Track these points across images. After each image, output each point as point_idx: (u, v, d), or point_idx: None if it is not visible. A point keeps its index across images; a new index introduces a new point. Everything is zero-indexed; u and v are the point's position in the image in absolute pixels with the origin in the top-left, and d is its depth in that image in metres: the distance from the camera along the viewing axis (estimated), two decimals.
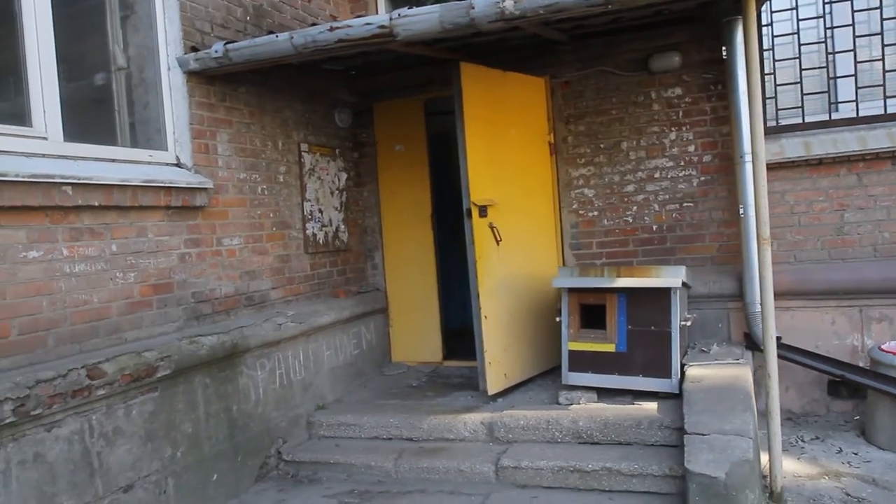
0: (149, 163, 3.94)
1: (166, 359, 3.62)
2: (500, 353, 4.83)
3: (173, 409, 3.73)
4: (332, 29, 3.71)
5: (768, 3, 5.07)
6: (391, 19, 3.60)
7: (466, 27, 3.50)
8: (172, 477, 3.69)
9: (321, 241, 5.42)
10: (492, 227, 4.82)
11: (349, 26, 3.68)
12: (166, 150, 4.10)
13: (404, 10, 3.60)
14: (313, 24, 4.44)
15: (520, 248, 5.08)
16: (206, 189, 4.15)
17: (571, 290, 4.65)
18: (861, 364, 4.62)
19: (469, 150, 4.66)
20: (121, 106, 4.08)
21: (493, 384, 4.74)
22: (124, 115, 4.08)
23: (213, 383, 4.02)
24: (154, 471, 3.59)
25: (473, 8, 3.43)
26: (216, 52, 3.97)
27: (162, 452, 3.64)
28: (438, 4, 3.55)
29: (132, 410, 3.49)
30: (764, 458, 3.74)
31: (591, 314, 4.63)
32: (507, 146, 5.07)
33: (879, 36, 4.90)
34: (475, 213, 4.71)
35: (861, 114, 4.92)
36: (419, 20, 3.57)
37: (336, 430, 4.76)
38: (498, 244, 4.87)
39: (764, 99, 5.00)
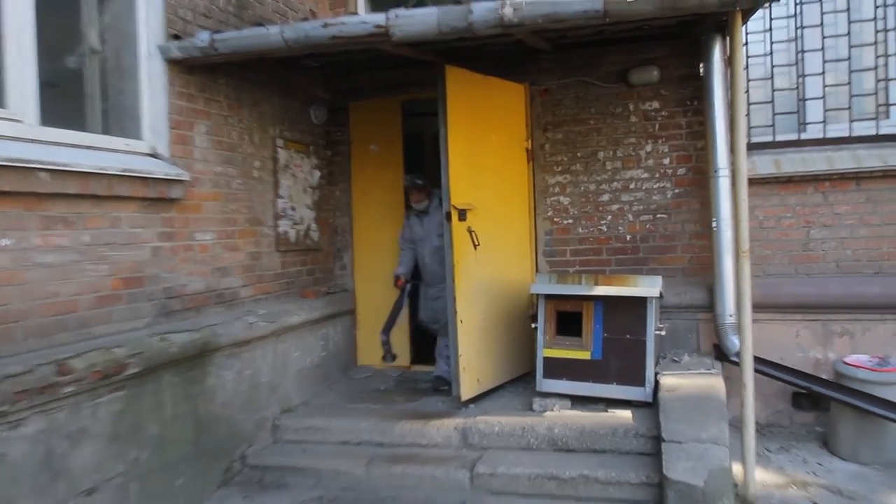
0: (125, 152, 3.83)
1: (136, 356, 3.52)
2: (474, 358, 4.86)
3: (140, 408, 3.63)
4: (325, 25, 3.68)
5: (744, 25, 5.25)
6: (388, 19, 3.59)
7: (464, 31, 3.52)
8: (136, 480, 3.58)
9: (292, 240, 5.36)
10: (470, 232, 4.85)
11: (343, 24, 3.65)
12: (141, 139, 3.99)
13: (401, 11, 3.60)
14: (303, 20, 4.38)
15: (496, 254, 5.13)
16: (182, 181, 4.07)
17: (548, 297, 4.70)
18: (824, 376, 4.80)
19: (451, 153, 4.69)
20: (93, 91, 3.96)
21: (467, 389, 4.75)
22: (97, 101, 3.96)
23: (181, 383, 3.93)
24: (118, 474, 3.47)
25: (472, 13, 3.45)
26: (201, 41, 3.89)
27: (127, 454, 3.54)
28: (436, 7, 3.56)
29: (99, 409, 3.38)
30: (735, 467, 3.85)
31: (567, 321, 4.70)
32: (486, 151, 5.12)
33: (846, 62, 5.14)
34: (455, 216, 4.73)
35: (828, 135, 5.15)
36: (416, 22, 3.57)
37: (303, 434, 4.70)
38: (475, 248, 4.90)
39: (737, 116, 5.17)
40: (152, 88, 4.00)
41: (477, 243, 4.89)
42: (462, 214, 4.78)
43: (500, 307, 5.15)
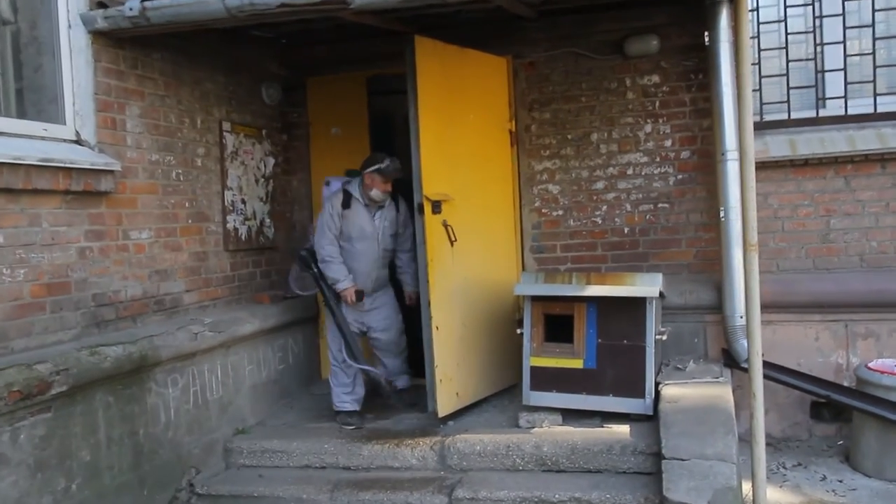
0: (43, 138, 3.83)
1: (62, 372, 3.52)
2: (453, 369, 4.90)
3: (69, 432, 3.63)
4: None
5: None
6: None
7: None
8: None
9: (243, 237, 5.36)
10: (446, 226, 4.88)
11: None
12: (64, 123, 3.99)
13: None
14: None
15: (476, 251, 5.16)
16: (112, 171, 4.07)
17: (535, 299, 4.73)
18: (846, 383, 4.89)
19: (423, 137, 4.71)
20: (5, 68, 3.95)
21: (444, 405, 4.79)
22: (9, 80, 3.95)
23: (116, 402, 3.93)
24: None
25: None
26: (130, 9, 3.89)
27: (54, 485, 3.54)
28: None
29: (20, 434, 3.38)
30: (745, 485, 3.92)
31: (557, 326, 4.73)
32: (463, 134, 5.14)
33: (870, 28, 5.21)
34: (427, 208, 4.76)
35: (850, 112, 5.22)
36: None
37: (259, 457, 4.72)
38: (452, 245, 4.94)
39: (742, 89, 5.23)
40: (75, 65, 3.99)
41: (454, 239, 4.92)
42: (436, 206, 4.81)
43: (481, 311, 5.18)
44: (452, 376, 4.88)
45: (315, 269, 5.05)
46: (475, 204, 5.17)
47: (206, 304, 4.95)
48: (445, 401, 4.80)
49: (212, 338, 4.65)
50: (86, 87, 4.04)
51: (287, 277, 5.59)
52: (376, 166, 4.98)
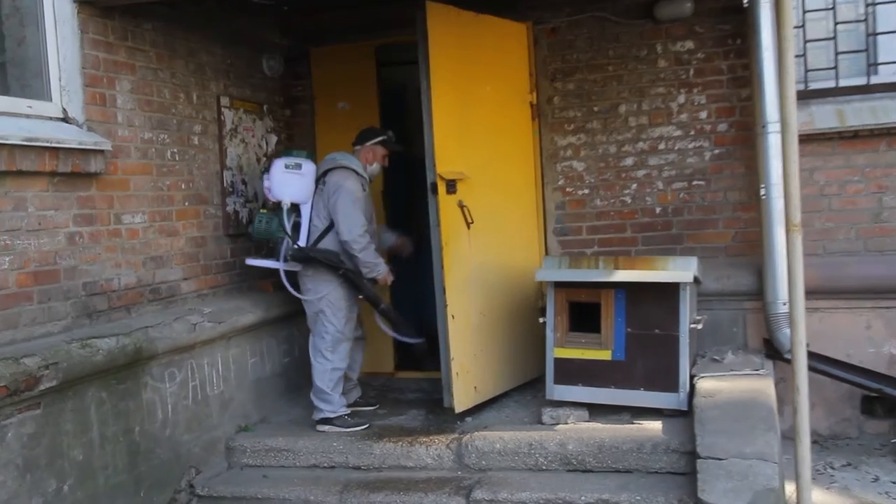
0: (28, 116, 3.84)
1: (52, 367, 3.54)
2: (470, 361, 4.89)
3: (60, 430, 3.66)
4: None
5: None
6: None
7: None
8: None
9: (244, 221, 5.36)
10: (461, 207, 4.86)
11: None
12: (50, 100, 4.00)
13: None
14: None
15: (494, 233, 5.15)
16: (102, 151, 4.07)
17: (559, 285, 4.71)
18: None
19: (436, 111, 4.69)
20: None
21: (462, 400, 4.79)
22: None
23: (110, 398, 3.95)
24: None
25: None
26: None
27: (45, 486, 3.57)
28: None
29: (7, 433, 3.41)
30: (789, 487, 3.88)
31: (583, 314, 4.71)
32: (480, 107, 5.12)
33: None
34: (441, 188, 4.74)
35: None
36: None
37: (264, 457, 4.74)
38: (469, 227, 4.92)
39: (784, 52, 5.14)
40: (61, 37, 3.99)
41: (470, 221, 4.90)
42: (451, 186, 4.78)
43: (501, 299, 5.17)
44: (470, 369, 4.88)
45: (346, 266, 4.81)
46: (493, 183, 5.15)
47: (204, 292, 4.96)
48: (462, 395, 4.80)
49: (211, 329, 4.67)
50: (72, 60, 4.04)
51: (247, 276, 5.31)
52: (380, 138, 5.00)
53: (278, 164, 4.85)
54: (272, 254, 5.05)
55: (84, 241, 4.03)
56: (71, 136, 3.90)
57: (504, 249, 5.25)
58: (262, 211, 4.99)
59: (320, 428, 4.86)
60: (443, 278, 4.74)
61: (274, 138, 5.81)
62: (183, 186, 4.80)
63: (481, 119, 5.10)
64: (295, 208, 4.91)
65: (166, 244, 4.64)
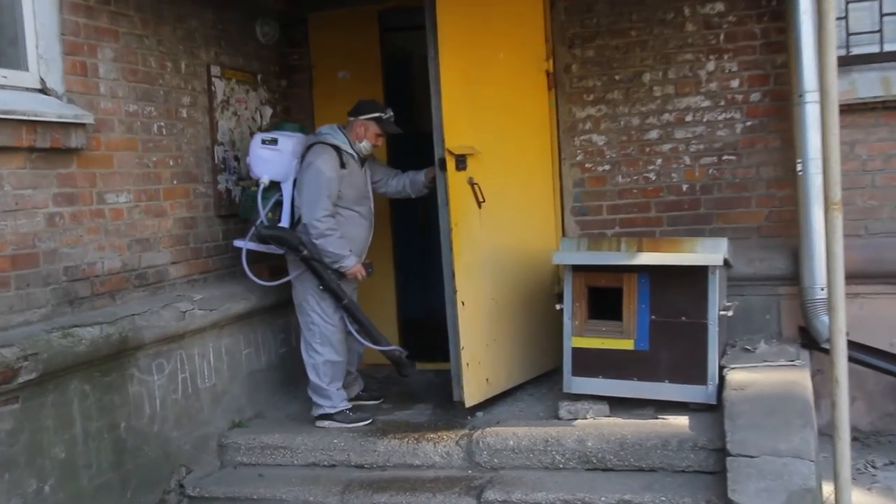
0: (2, 86, 3.82)
1: (31, 358, 3.55)
2: (482, 351, 4.89)
3: (40, 426, 3.67)
4: None
5: None
6: None
7: None
8: None
9: (237, 200, 5.35)
10: (472, 184, 4.84)
11: None
12: (26, 69, 3.98)
13: None
14: None
15: (507, 213, 5.14)
16: (83, 125, 4.07)
17: (577, 269, 4.70)
18: None
19: (444, 80, 4.66)
20: None
21: (472, 392, 4.79)
22: None
23: (94, 392, 3.97)
24: None
25: None
26: None
27: (24, 486, 3.58)
28: None
29: None
30: (827, 488, 3.86)
31: (604, 301, 4.70)
32: (492, 77, 5.09)
33: None
34: (451, 164, 4.72)
35: None
36: None
37: (259, 454, 4.76)
38: (480, 206, 4.90)
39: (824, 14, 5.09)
40: (38, 0, 3.95)
41: (482, 199, 4.87)
42: (460, 161, 4.76)
43: (515, 284, 5.17)
44: (482, 360, 4.89)
45: (305, 251, 4.74)
46: (506, 159, 5.14)
47: (195, 277, 4.97)
48: (474, 388, 4.81)
49: (202, 317, 4.68)
50: (50, 26, 4.01)
51: (240, 259, 5.07)
52: (377, 114, 4.95)
53: (256, 139, 4.95)
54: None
55: (65, 223, 4.03)
56: (50, 109, 3.89)
57: (517, 231, 5.25)
58: (252, 188, 5.02)
59: (320, 424, 4.87)
60: (452, 262, 4.72)
61: (269, 110, 5.79)
62: (171, 163, 4.79)
63: (493, 89, 5.07)
64: (275, 185, 4.91)
65: (153, 226, 4.63)
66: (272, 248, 4.92)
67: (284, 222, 4.87)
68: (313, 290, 4.86)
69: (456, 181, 4.74)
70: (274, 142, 4.86)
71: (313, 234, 4.72)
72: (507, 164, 5.15)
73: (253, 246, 4.93)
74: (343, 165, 4.82)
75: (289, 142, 4.88)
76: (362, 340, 5.07)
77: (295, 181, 4.89)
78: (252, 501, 4.43)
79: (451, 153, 4.71)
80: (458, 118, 4.77)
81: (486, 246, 4.98)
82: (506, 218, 5.10)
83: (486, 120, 4.99)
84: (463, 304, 4.77)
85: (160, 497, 4.38)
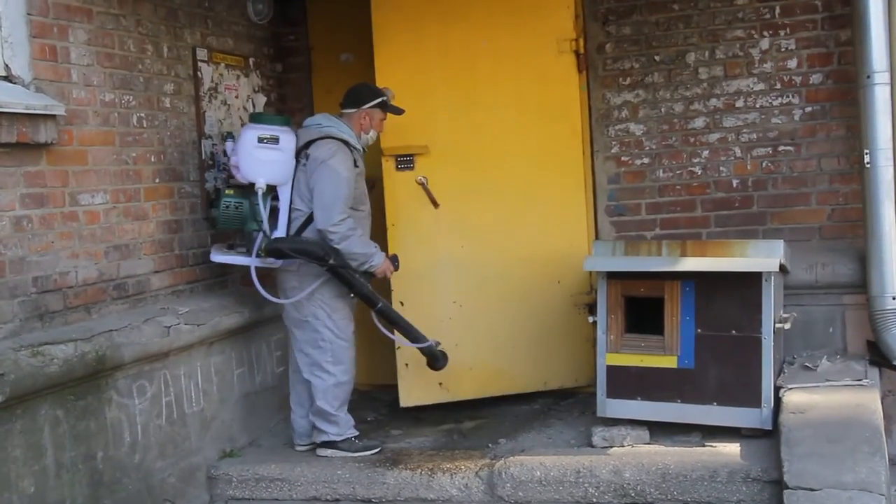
0: None
1: None
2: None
3: (7, 456, 3.67)
4: None
5: None
6: None
7: None
8: None
9: (214, 205, 5.34)
10: (422, 185, 5.25)
11: None
12: None
13: None
14: None
15: (491, 214, 5.55)
16: (54, 117, 4.07)
17: (613, 276, 4.72)
18: None
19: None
20: None
21: (414, 394, 5.38)
22: None
23: (67, 418, 3.98)
24: None
25: None
26: None
27: None
28: None
29: None
30: None
31: (643, 312, 4.72)
32: (503, 58, 5.43)
33: None
34: (389, 164, 5.32)
35: None
36: None
37: (253, 488, 4.78)
38: (436, 207, 5.42)
39: None
40: None
41: (436, 201, 5.32)
42: (402, 162, 5.35)
43: (501, 289, 5.54)
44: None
45: (332, 259, 4.68)
46: (493, 154, 5.55)
47: (180, 288, 4.99)
48: (417, 390, 5.48)
49: (189, 332, 4.69)
50: (15, 5, 4.01)
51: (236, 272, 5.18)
52: (380, 98, 4.96)
53: (249, 136, 4.69)
54: (246, 242, 4.90)
55: (33, 227, 4.04)
56: (15, 99, 3.89)
57: (514, 232, 5.52)
58: (227, 192, 4.82)
59: (322, 453, 4.89)
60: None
61: (262, 99, 5.82)
62: (152, 159, 4.81)
63: (483, 76, 5.47)
64: (271, 189, 4.77)
65: (133, 230, 4.65)
66: (269, 262, 4.82)
67: (280, 232, 4.77)
68: (325, 302, 4.84)
69: (395, 182, 5.05)
70: (275, 140, 4.68)
71: (334, 239, 4.68)
72: (496, 161, 5.44)
73: (258, 262, 4.81)
74: (355, 163, 4.84)
75: (291, 139, 4.76)
76: (403, 341, 5.19)
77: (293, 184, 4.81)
78: None
79: (387, 154, 5.07)
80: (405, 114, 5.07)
81: (447, 248, 5.45)
82: (488, 219, 5.44)
83: (458, 113, 5.40)
84: (402, 304, 5.33)
85: None
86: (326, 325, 4.85)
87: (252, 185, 4.73)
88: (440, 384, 5.44)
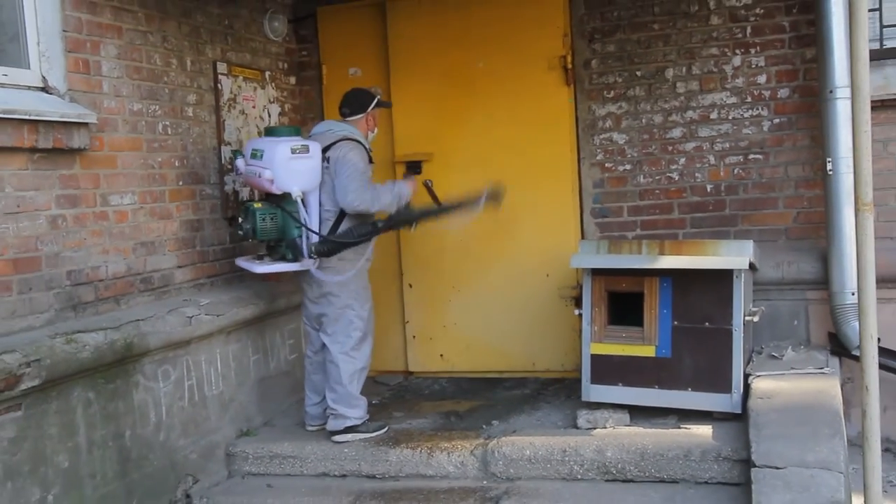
0: (3, 85, 3.85)
1: (34, 364, 3.58)
2: (436, 330, 5.87)
3: (43, 434, 3.70)
4: None
5: None
6: None
7: None
8: None
9: (247, 220, 5.33)
10: (428, 186, 5.11)
11: None
12: (28, 67, 4.01)
13: None
14: None
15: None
16: (87, 124, 4.10)
17: (597, 273, 4.72)
18: None
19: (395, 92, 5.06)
20: None
21: (418, 361, 5.80)
22: None
23: (98, 399, 4.00)
24: None
25: None
26: None
27: (27, 495, 3.61)
28: None
29: None
30: (856, 500, 3.85)
31: (624, 306, 4.72)
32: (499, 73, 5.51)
33: None
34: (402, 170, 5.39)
35: None
36: None
37: (268, 464, 4.79)
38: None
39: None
40: None
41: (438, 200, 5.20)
42: (412, 167, 5.57)
43: (496, 280, 5.73)
44: (433, 336, 5.91)
45: (380, 224, 4.80)
46: (491, 160, 5.63)
47: (201, 281, 5.00)
48: (422, 358, 5.94)
49: (209, 322, 4.70)
50: (52, 23, 4.05)
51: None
52: (378, 98, 4.98)
53: (282, 150, 4.55)
54: (272, 252, 4.83)
55: (68, 225, 4.06)
56: (52, 108, 3.92)
57: (509, 229, 5.63)
58: (256, 205, 4.67)
59: (341, 439, 4.76)
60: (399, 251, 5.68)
61: (276, 109, 5.82)
62: (176, 164, 4.83)
63: (487, 89, 5.61)
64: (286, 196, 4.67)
65: (158, 228, 4.67)
66: (306, 264, 4.70)
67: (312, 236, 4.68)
68: (358, 293, 4.81)
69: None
70: (306, 149, 4.60)
71: (365, 205, 4.68)
72: (493, 166, 5.52)
73: (297, 266, 4.71)
74: (370, 159, 4.86)
75: (317, 146, 4.70)
76: (459, 213, 4.97)
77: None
78: None
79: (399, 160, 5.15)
80: (413, 126, 5.39)
81: (449, 241, 5.68)
82: (485, 217, 5.27)
83: (459, 124, 5.62)
84: (410, 286, 5.80)
85: None
86: (360, 316, 4.83)
87: (277, 195, 4.61)
88: (441, 356, 5.90)
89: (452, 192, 5.09)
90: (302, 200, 4.65)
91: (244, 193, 5.39)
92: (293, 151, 4.58)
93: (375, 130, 5.04)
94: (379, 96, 5.01)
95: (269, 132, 4.94)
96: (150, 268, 4.59)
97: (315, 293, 4.82)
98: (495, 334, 5.77)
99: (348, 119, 4.92)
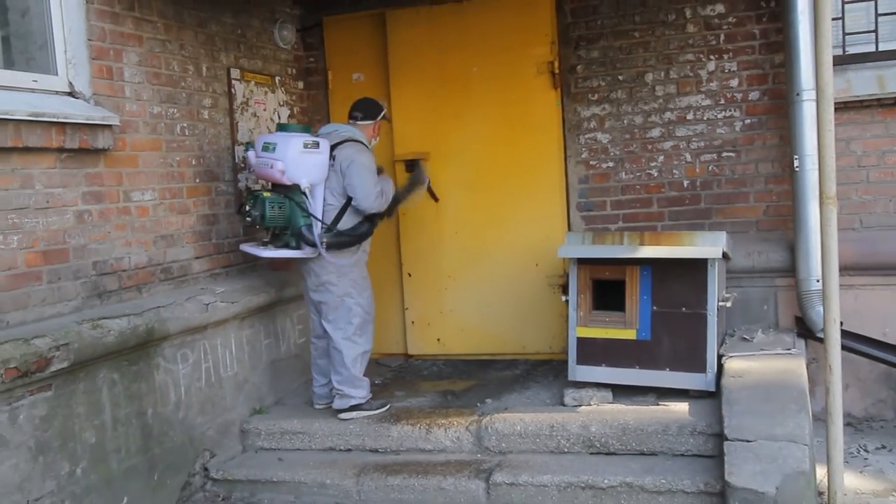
0: (33, 90, 3.87)
1: (63, 347, 3.60)
2: (434, 316, 5.88)
3: (72, 412, 3.73)
4: None
5: None
6: None
7: None
8: (71, 500, 3.69)
9: (254, 207, 5.33)
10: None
11: None
12: (56, 73, 4.02)
13: None
14: None
15: (483, 207, 5.73)
16: (110, 126, 4.11)
17: (582, 262, 4.73)
18: None
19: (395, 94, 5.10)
20: None
21: (417, 345, 5.78)
22: None
23: (122, 380, 4.02)
24: (48, 492, 3.59)
25: None
26: None
27: (58, 469, 3.64)
28: None
29: (18, 415, 3.48)
30: (820, 470, 3.89)
31: (607, 292, 4.74)
32: (490, 79, 5.53)
33: None
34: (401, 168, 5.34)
35: None
36: None
37: (279, 439, 4.82)
38: (437, 202, 5.67)
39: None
40: (66, 7, 3.99)
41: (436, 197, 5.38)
42: (410, 165, 5.51)
43: (488, 270, 5.74)
44: (431, 322, 5.93)
45: (384, 215, 4.93)
46: (485, 159, 5.71)
47: (217, 271, 5.01)
48: (420, 342, 5.96)
49: (224, 309, 4.72)
50: (78, 32, 4.06)
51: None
52: (384, 111, 5.05)
53: (295, 144, 4.56)
54: (275, 240, 4.81)
55: (93, 220, 4.08)
56: (78, 111, 3.93)
57: (503, 223, 5.69)
58: (266, 194, 4.64)
59: (346, 416, 4.78)
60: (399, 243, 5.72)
61: (286, 112, 5.82)
62: (193, 162, 4.84)
63: (480, 93, 5.61)
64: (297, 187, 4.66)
65: (177, 222, 4.68)
66: (307, 252, 4.70)
67: (317, 225, 4.67)
68: (357, 282, 4.82)
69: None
70: (316, 145, 4.62)
71: (380, 206, 4.78)
72: (486, 165, 5.62)
73: (299, 254, 4.71)
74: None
75: (326, 144, 4.70)
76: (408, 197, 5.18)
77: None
78: (272, 484, 4.48)
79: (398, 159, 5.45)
80: (411, 127, 5.40)
81: (445, 233, 5.81)
82: (479, 211, 5.67)
83: (455, 125, 5.62)
84: (409, 275, 5.88)
85: (185, 480, 4.43)
86: (359, 303, 4.83)
87: (286, 186, 4.61)
88: (438, 340, 5.93)
89: (448, 187, 5.27)
90: (309, 192, 4.66)
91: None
92: (305, 146, 4.59)
93: (377, 139, 5.06)
94: (385, 110, 5.09)
95: (282, 128, 4.94)
96: (170, 259, 4.61)
97: (314, 282, 4.83)
98: (488, 320, 5.78)
99: (358, 123, 4.93)
